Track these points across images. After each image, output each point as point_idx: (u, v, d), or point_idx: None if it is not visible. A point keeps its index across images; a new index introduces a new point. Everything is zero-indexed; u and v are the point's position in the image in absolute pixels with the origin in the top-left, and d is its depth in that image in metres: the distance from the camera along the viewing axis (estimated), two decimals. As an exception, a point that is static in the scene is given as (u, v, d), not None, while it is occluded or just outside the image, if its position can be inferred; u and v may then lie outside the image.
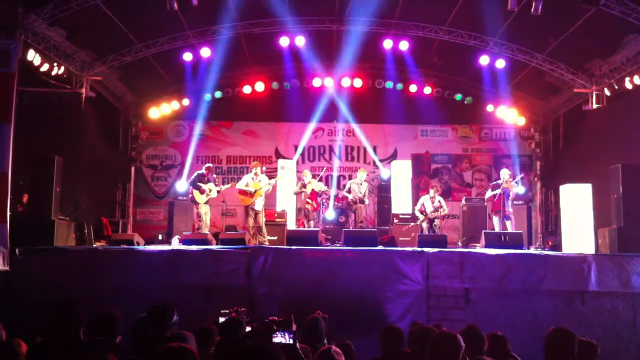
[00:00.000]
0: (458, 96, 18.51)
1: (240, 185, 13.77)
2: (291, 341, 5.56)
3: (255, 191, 13.53)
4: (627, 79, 14.07)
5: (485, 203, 15.09)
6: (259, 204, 13.59)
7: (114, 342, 4.94)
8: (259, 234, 13.46)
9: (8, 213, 10.85)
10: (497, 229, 13.70)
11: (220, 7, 14.26)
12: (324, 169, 17.50)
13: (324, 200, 15.35)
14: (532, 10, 12.70)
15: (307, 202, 14.73)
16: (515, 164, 18.37)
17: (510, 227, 13.60)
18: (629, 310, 10.11)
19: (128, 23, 14.15)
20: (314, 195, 14.74)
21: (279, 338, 5.61)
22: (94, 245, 12.75)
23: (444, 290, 10.23)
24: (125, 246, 11.34)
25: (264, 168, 14.28)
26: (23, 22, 11.99)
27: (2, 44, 11.59)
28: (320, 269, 10.39)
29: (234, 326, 5.99)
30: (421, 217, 14.55)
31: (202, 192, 13.59)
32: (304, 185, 14.83)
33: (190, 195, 13.92)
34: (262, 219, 13.70)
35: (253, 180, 13.70)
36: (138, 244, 11.94)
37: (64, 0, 12.39)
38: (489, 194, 14.17)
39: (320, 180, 15.82)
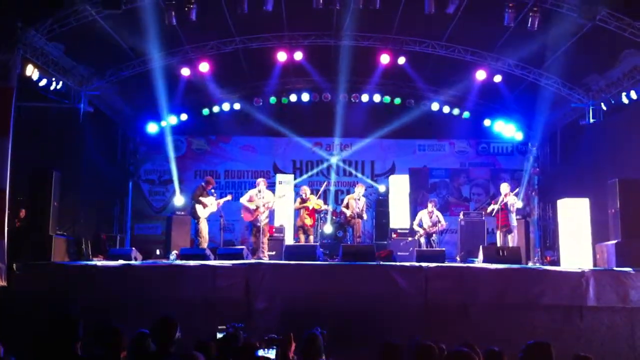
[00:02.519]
0: (455, 110, 18.58)
1: (244, 199, 13.68)
2: (273, 356, 5.56)
3: (257, 208, 13.48)
4: (624, 93, 14.12)
5: (483, 218, 15.11)
6: (262, 220, 13.53)
7: (117, 358, 4.91)
8: (260, 250, 13.38)
9: (6, 228, 10.82)
10: (499, 243, 13.72)
11: (218, 22, 14.33)
12: (324, 184, 17.45)
13: (322, 216, 15.32)
14: (529, 25, 12.80)
15: (306, 218, 14.65)
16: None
17: (511, 242, 13.61)
18: (627, 325, 10.09)
19: (126, 38, 14.20)
20: (313, 212, 14.68)
21: (262, 353, 5.62)
22: (92, 261, 12.71)
23: (442, 305, 10.21)
24: (122, 261, 11.30)
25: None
26: (22, 37, 12.01)
27: (0, 58, 11.61)
28: (318, 284, 10.37)
29: (231, 342, 5.97)
30: (420, 231, 14.52)
31: (204, 206, 13.56)
32: (304, 201, 14.77)
33: (192, 210, 13.84)
34: (264, 235, 13.65)
35: (257, 196, 13.60)
36: (136, 259, 11.90)
37: (63, 15, 12.44)
38: (490, 208, 14.17)
39: (319, 196, 15.79)
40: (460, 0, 12.74)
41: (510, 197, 13.88)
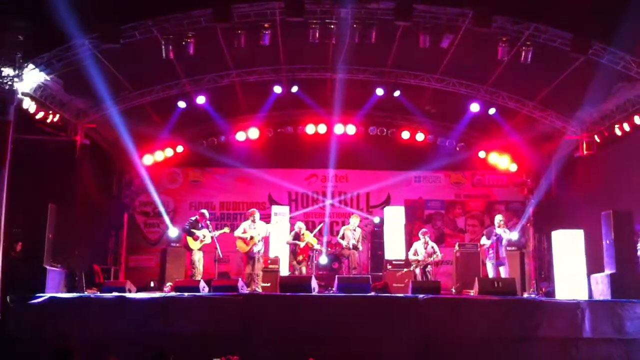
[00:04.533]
0: (450, 142, 18.66)
1: (238, 232, 13.75)
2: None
3: (252, 238, 13.53)
4: (617, 126, 14.24)
5: (478, 249, 15.12)
6: (256, 250, 13.57)
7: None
8: (254, 281, 13.40)
9: (0, 260, 10.82)
10: (490, 275, 13.69)
11: (215, 56, 14.47)
12: (319, 226, 17.31)
13: (315, 252, 15.27)
14: (522, 59, 12.97)
15: (299, 254, 14.54)
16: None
17: (503, 273, 13.59)
18: (623, 357, 10.08)
19: (124, 71, 14.32)
20: (307, 248, 14.60)
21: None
22: (86, 293, 12.67)
23: (438, 336, 10.18)
24: (116, 294, 11.27)
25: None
26: (20, 71, 12.11)
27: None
28: (313, 316, 10.35)
29: (226, 374, 5.95)
30: (417, 258, 14.44)
31: (195, 238, 13.53)
32: (298, 236, 14.70)
33: (184, 242, 13.83)
34: (259, 266, 13.66)
35: (250, 227, 13.70)
36: (130, 291, 11.86)
37: (61, 49, 12.56)
38: (483, 240, 14.17)
39: (314, 233, 15.69)
40: (454, 34, 12.92)
41: (502, 230, 13.88)
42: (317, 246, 14.86)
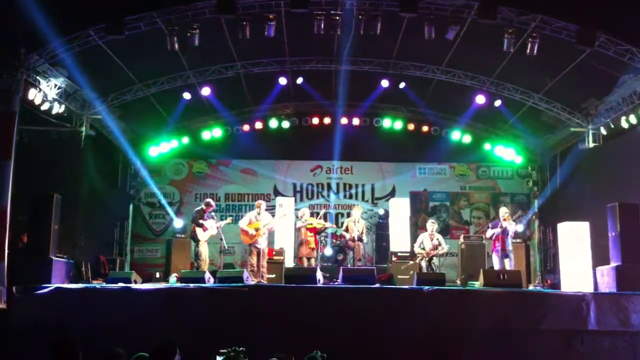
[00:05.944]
0: (455, 134, 18.64)
1: (243, 223, 13.73)
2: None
3: (257, 229, 13.52)
4: (623, 118, 14.18)
5: (484, 241, 15.11)
6: (262, 242, 13.59)
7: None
8: (260, 272, 13.40)
9: (6, 250, 10.83)
10: (496, 267, 13.68)
11: (220, 47, 14.44)
12: (323, 212, 17.34)
13: (322, 239, 15.26)
14: (528, 51, 12.91)
15: (309, 240, 14.53)
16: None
17: (508, 266, 13.57)
18: (629, 350, 10.04)
19: (129, 63, 14.30)
20: (314, 232, 14.63)
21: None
22: (91, 284, 12.68)
23: (443, 330, 10.17)
24: (122, 284, 11.28)
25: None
26: (25, 62, 12.12)
27: (3, 82, 11.71)
28: (318, 308, 10.34)
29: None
30: (422, 252, 14.42)
31: (205, 229, 13.53)
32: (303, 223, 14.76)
33: (192, 233, 13.81)
34: (263, 258, 13.68)
35: (256, 218, 13.68)
36: (135, 282, 11.87)
37: (66, 40, 12.55)
38: (489, 233, 14.13)
39: (319, 218, 15.75)
40: (460, 26, 12.87)
41: (508, 222, 13.85)
42: (323, 223, 14.88)
